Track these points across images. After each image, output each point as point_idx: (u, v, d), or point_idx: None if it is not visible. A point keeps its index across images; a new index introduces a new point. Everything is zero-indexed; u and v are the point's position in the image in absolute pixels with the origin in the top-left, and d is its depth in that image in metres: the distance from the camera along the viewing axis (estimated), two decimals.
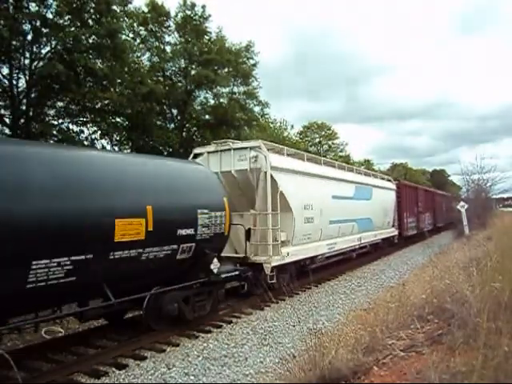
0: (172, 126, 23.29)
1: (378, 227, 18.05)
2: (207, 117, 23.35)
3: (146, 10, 22.22)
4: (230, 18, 64.55)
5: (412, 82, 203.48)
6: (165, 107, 22.51)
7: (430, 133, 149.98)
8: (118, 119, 20.01)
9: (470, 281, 4.96)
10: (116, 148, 21.16)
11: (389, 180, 21.64)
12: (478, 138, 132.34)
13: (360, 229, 15.62)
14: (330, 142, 49.64)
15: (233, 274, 8.60)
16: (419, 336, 3.73)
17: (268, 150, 10.31)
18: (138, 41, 22.30)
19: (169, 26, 22.95)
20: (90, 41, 16.29)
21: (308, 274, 9.97)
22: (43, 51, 15.79)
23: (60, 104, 17.13)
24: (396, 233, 20.47)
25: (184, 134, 23.18)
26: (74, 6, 15.44)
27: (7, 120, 15.72)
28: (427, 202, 28.36)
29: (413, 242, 23.07)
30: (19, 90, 15.55)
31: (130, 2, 18.48)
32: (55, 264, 5.22)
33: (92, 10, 16.16)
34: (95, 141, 19.12)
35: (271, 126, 36.16)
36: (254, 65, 25.03)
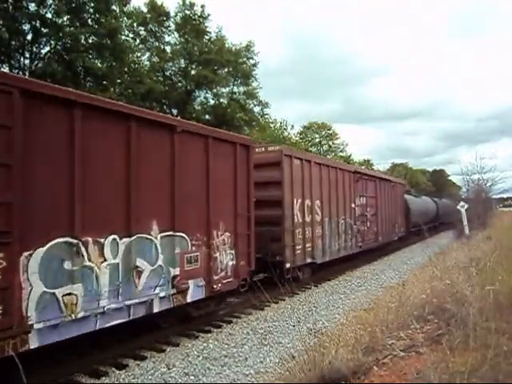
0: None
1: None
2: (207, 117, 23.35)
3: (145, 10, 22.28)
4: (230, 18, 64.71)
5: (411, 82, 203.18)
6: (164, 107, 22.52)
7: (428, 133, 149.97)
8: None
9: (470, 281, 4.96)
10: None
11: None
12: (477, 138, 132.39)
13: None
14: (330, 143, 49.66)
15: None
16: (419, 336, 3.73)
17: None
18: (138, 41, 22.34)
19: (168, 26, 23.00)
20: (90, 40, 16.33)
21: None
22: (43, 51, 15.83)
23: None
24: None
25: None
26: (74, 5, 15.47)
27: None
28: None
29: (413, 242, 23.04)
30: None
31: (129, 3, 18.53)
32: None
33: (91, 10, 16.19)
34: None
35: (271, 126, 36.15)
36: (254, 65, 25.08)
